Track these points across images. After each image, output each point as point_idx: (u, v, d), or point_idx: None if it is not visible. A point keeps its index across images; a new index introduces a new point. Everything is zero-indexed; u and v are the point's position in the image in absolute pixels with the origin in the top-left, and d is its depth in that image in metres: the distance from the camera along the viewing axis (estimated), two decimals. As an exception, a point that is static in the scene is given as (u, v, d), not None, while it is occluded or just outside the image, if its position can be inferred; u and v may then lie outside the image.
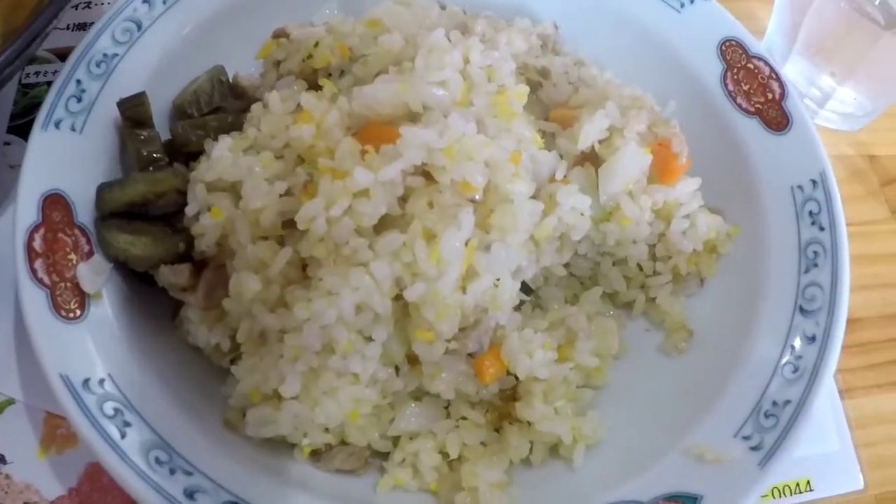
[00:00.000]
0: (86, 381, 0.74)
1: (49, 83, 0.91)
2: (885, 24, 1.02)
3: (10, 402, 0.86)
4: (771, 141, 0.95)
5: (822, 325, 0.84)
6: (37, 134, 0.83)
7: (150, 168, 0.87)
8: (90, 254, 0.81)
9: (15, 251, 0.78)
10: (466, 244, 0.77)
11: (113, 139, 0.88)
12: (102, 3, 1.12)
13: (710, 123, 0.99)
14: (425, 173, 0.79)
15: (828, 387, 0.90)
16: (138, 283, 0.85)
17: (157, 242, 0.84)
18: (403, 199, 0.79)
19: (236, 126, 0.91)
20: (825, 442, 0.95)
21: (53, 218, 0.80)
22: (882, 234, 1.13)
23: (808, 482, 0.93)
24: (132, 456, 0.72)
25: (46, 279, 0.78)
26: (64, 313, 0.77)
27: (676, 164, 0.92)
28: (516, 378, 0.84)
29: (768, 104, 0.97)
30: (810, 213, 0.90)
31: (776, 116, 0.96)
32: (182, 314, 0.86)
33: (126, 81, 0.89)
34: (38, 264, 0.78)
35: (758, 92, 0.98)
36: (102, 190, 0.84)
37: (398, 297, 0.77)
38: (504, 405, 0.85)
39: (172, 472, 0.72)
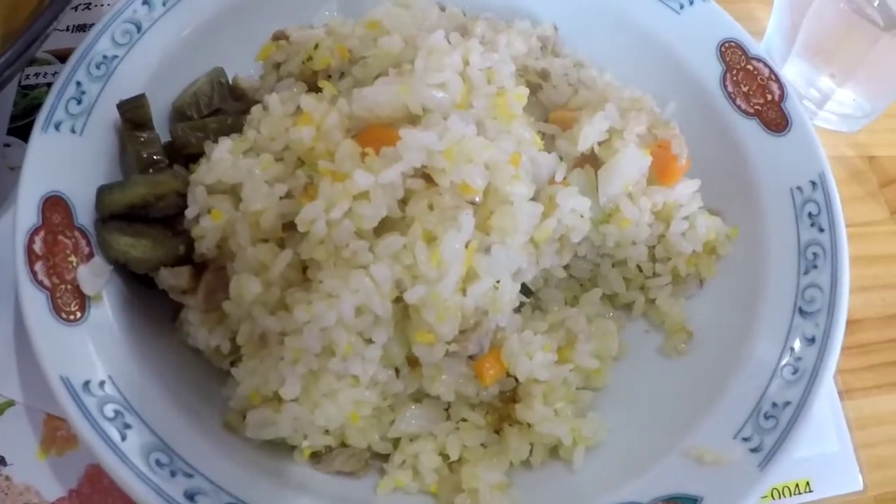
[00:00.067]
0: (86, 384, 0.74)
1: (49, 85, 0.91)
2: (884, 25, 1.02)
3: (11, 403, 0.86)
4: (770, 142, 0.95)
5: (822, 327, 0.84)
6: (37, 136, 0.83)
7: (150, 170, 0.87)
8: (90, 256, 0.81)
9: (15, 253, 0.78)
10: (466, 246, 0.77)
11: (113, 141, 0.88)
12: (102, 5, 1.12)
13: (710, 125, 0.99)
14: (425, 175, 0.78)
15: (827, 388, 0.91)
16: (138, 285, 0.85)
17: (157, 245, 0.84)
18: (403, 202, 0.79)
19: (236, 128, 0.91)
20: (825, 443, 0.95)
21: (53, 220, 0.80)
22: (881, 235, 1.13)
23: (808, 483, 0.93)
24: (132, 458, 0.72)
25: (46, 281, 0.78)
26: (64, 315, 0.77)
27: (676, 166, 0.92)
28: (516, 380, 0.84)
29: (768, 105, 0.97)
30: (810, 214, 0.91)
31: (775, 118, 0.96)
32: (182, 316, 0.86)
33: (126, 83, 0.89)
34: (38, 266, 0.78)
35: (757, 93, 0.98)
36: (102, 192, 0.84)
37: (398, 300, 0.77)
38: (504, 407, 0.85)
39: (173, 474, 0.72)
